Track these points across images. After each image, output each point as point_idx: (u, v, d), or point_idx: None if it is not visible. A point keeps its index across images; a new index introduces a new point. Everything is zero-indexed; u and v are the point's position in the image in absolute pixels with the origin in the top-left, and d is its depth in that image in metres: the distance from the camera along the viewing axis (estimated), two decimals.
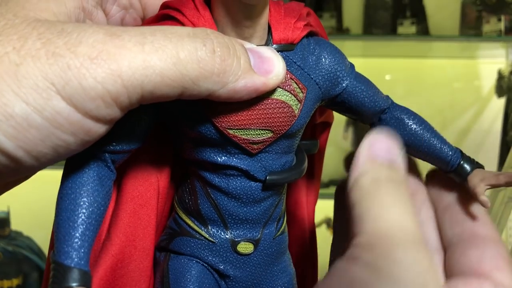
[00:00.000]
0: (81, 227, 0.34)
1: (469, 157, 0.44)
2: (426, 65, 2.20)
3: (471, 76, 2.17)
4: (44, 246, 1.75)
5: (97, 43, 0.27)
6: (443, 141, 0.44)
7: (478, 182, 0.42)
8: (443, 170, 0.45)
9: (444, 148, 0.43)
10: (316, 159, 0.51)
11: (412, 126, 0.43)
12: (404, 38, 1.93)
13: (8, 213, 1.70)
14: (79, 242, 0.34)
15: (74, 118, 0.27)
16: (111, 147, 0.37)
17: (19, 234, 1.74)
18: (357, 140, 2.05)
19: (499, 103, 2.00)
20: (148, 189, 0.42)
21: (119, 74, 0.27)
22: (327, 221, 1.72)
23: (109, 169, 0.37)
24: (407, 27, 1.92)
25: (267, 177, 0.39)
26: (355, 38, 2.03)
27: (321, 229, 1.73)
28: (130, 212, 0.41)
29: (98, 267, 0.39)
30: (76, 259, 0.34)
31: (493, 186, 0.42)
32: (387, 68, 2.18)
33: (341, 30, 2.00)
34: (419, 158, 0.45)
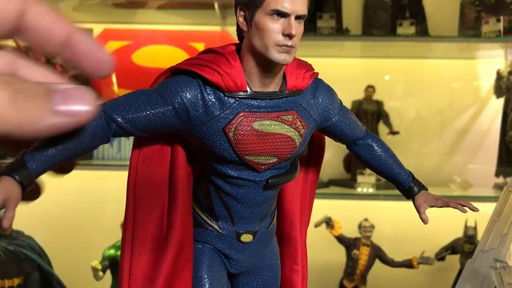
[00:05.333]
0: (56, 152, 0.49)
1: (418, 181, 0.61)
2: (425, 66, 2.21)
3: (470, 76, 2.18)
4: (45, 246, 1.75)
5: None
6: (401, 167, 0.61)
7: (421, 203, 0.59)
8: (397, 188, 0.62)
9: (401, 173, 0.60)
10: (315, 150, 0.64)
11: (379, 152, 0.60)
12: (403, 38, 1.94)
13: None
14: (46, 159, 0.49)
15: None
16: (123, 122, 0.51)
17: (20, 233, 1.74)
18: None
19: (498, 103, 2.01)
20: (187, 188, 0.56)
21: None
22: (327, 221, 1.72)
23: (107, 134, 0.52)
24: (406, 27, 1.93)
25: (269, 180, 0.53)
26: (355, 39, 2.04)
27: (321, 228, 1.73)
28: (183, 207, 0.53)
29: (167, 250, 0.53)
30: (34, 166, 0.49)
31: (432, 207, 0.58)
32: (387, 68, 2.19)
33: (340, 31, 2.00)
34: (381, 176, 0.62)
